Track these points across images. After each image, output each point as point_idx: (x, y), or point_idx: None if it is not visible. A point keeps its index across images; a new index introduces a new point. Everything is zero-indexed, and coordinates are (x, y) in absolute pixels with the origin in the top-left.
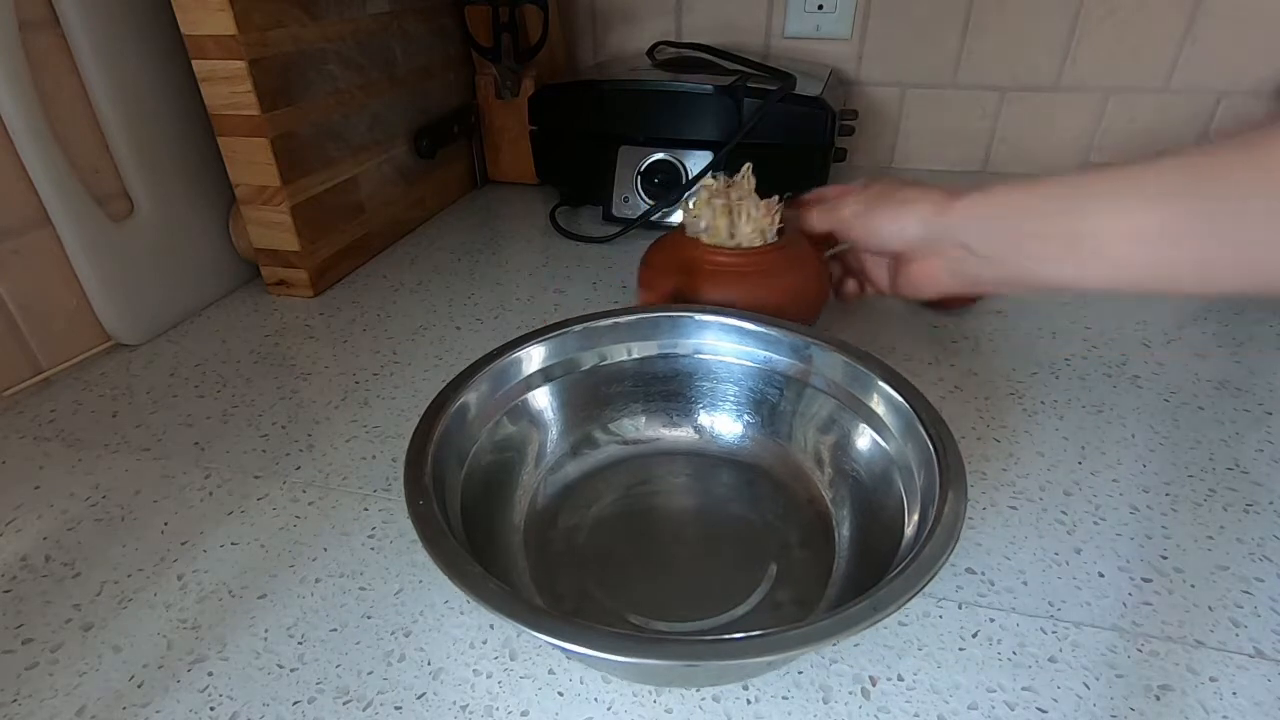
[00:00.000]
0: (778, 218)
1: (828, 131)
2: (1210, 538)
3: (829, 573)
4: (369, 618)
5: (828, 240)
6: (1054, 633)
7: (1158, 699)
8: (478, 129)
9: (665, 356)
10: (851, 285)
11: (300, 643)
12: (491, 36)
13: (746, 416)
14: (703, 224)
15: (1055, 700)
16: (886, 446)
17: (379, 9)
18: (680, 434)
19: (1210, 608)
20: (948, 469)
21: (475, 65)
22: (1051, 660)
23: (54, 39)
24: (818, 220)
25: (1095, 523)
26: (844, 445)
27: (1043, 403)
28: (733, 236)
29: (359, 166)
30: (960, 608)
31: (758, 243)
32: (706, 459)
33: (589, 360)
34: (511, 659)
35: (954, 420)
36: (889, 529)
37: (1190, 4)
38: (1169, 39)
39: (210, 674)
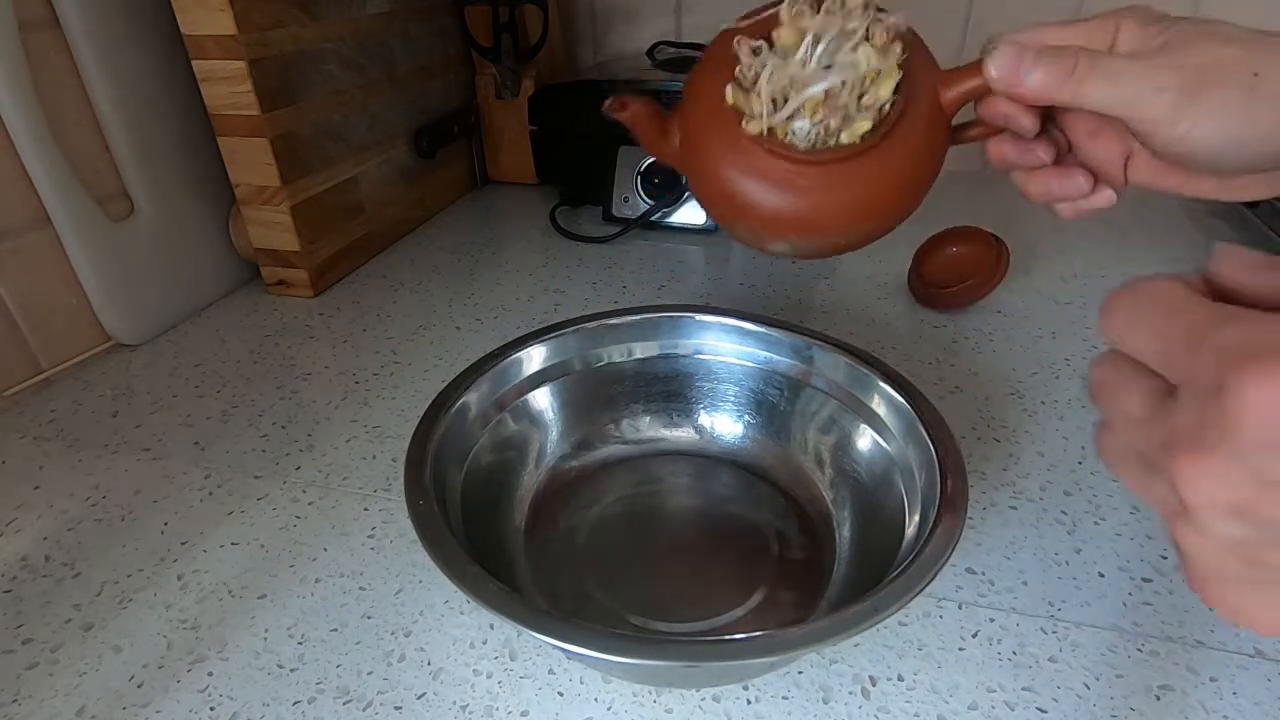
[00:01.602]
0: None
1: None
2: None
3: (829, 573)
4: (369, 618)
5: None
6: (1054, 633)
7: (1158, 699)
8: (478, 129)
9: (666, 357)
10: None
11: (300, 643)
12: (491, 36)
13: (747, 417)
14: (764, 92)
15: (1055, 700)
16: (887, 447)
17: (379, 9)
18: (681, 434)
19: (1210, 608)
20: (948, 470)
21: (475, 65)
22: (1051, 660)
23: (54, 39)
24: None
25: (1095, 523)
26: (845, 446)
27: (1043, 403)
28: (828, 128)
29: (359, 166)
30: (960, 608)
31: (865, 129)
32: (707, 459)
33: (589, 360)
34: (511, 659)
35: (954, 420)
36: (889, 529)
37: (1190, 4)
38: None
39: (210, 674)
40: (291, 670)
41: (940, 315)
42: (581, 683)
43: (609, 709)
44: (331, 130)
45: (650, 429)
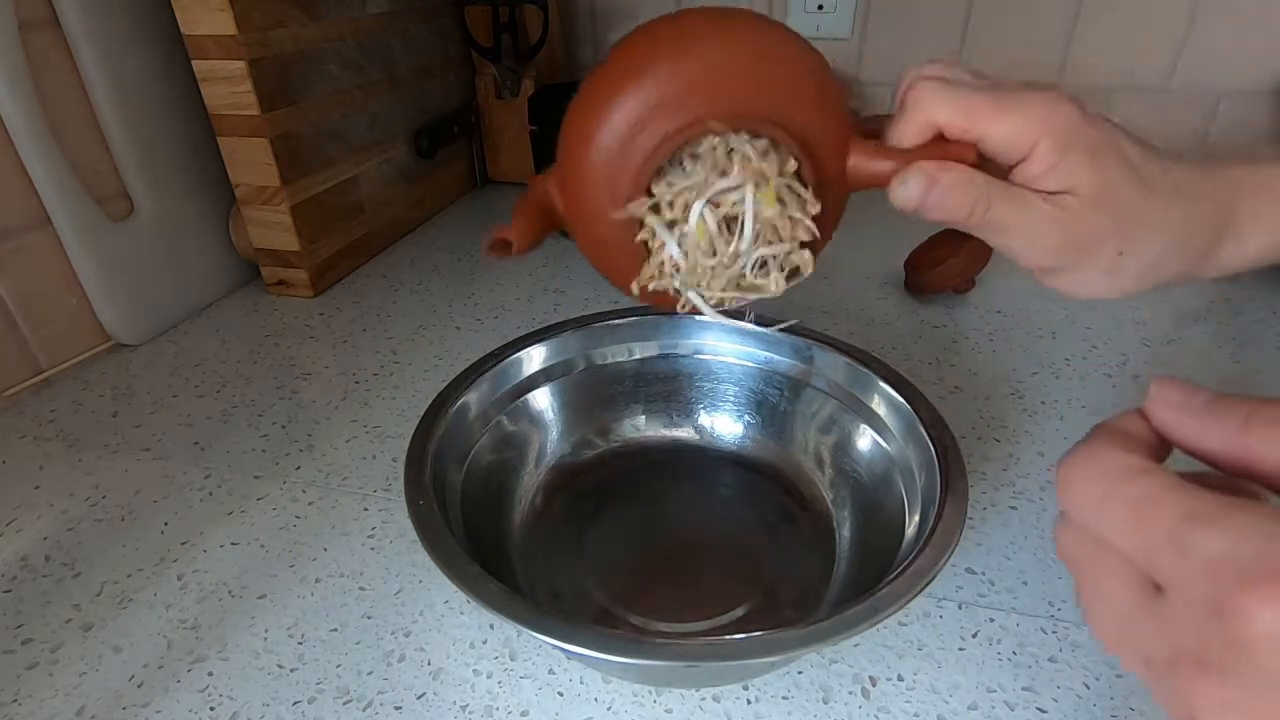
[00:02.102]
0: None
1: None
2: None
3: (829, 573)
4: (369, 618)
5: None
6: (1054, 633)
7: None
8: (478, 129)
9: (666, 356)
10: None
11: (300, 643)
12: (491, 36)
13: (747, 417)
14: (668, 273)
15: (1055, 700)
16: (887, 447)
17: (379, 9)
18: (681, 434)
19: None
20: (948, 470)
21: (475, 65)
22: (1051, 660)
23: (54, 39)
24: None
25: None
26: (845, 446)
27: (1043, 403)
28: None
29: (359, 166)
30: (960, 608)
31: (777, 282)
32: (707, 459)
33: (589, 360)
34: (511, 659)
35: (954, 420)
36: (889, 529)
37: (1190, 3)
38: (1169, 39)
39: (210, 674)
40: (291, 670)
41: (940, 315)
42: (581, 683)
43: (609, 709)
44: (331, 130)
45: (650, 429)
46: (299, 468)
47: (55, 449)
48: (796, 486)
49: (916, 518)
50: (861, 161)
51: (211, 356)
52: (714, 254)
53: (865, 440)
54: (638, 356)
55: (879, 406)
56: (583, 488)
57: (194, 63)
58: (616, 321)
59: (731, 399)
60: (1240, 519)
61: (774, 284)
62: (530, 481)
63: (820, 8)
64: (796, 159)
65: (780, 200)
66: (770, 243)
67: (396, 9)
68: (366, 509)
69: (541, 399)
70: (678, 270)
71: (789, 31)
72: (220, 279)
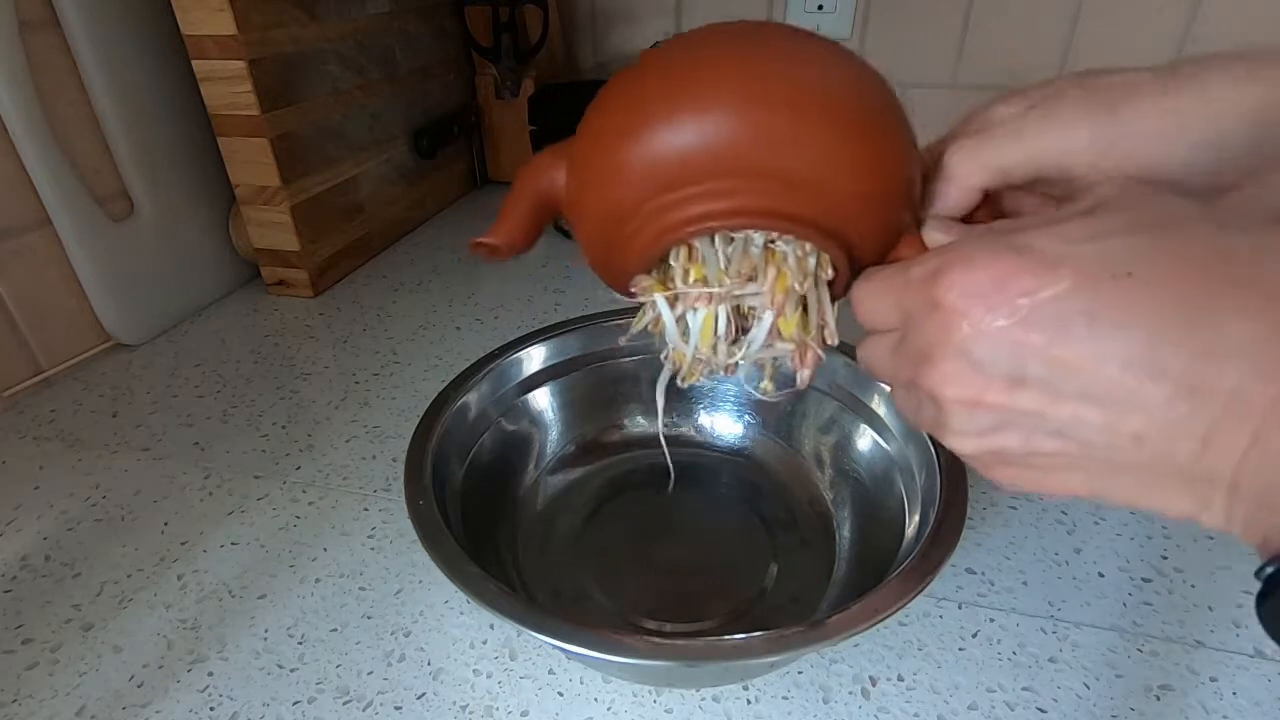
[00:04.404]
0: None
1: None
2: (1210, 538)
3: (829, 573)
4: (369, 618)
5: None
6: (1054, 633)
7: (1158, 699)
8: (477, 129)
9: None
10: None
11: (300, 643)
12: (491, 36)
13: (747, 417)
14: (683, 337)
15: (1055, 700)
16: (887, 447)
17: (379, 9)
18: (681, 434)
19: (1210, 608)
20: (948, 470)
21: (475, 65)
22: (1051, 660)
23: (54, 39)
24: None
25: (1095, 523)
26: (845, 446)
27: None
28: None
29: (359, 166)
30: (960, 608)
31: (763, 396)
32: (707, 459)
33: (589, 360)
34: (511, 659)
35: None
36: (890, 529)
37: (1190, 3)
38: (1169, 38)
39: (210, 674)
40: (291, 670)
41: None
42: (581, 683)
43: (609, 709)
44: (331, 130)
45: (650, 428)
46: (299, 468)
47: (55, 449)
48: (796, 486)
49: (916, 518)
50: (908, 255)
51: (211, 356)
52: (713, 352)
53: (865, 440)
54: (638, 356)
55: (879, 406)
56: (583, 488)
57: (194, 63)
58: (616, 321)
59: (731, 399)
60: (929, 252)
61: (765, 393)
62: (530, 481)
63: (820, 8)
64: (836, 269)
65: (803, 311)
66: (770, 345)
67: (396, 9)
68: (366, 509)
69: (541, 399)
70: (667, 348)
71: (883, 90)
72: (220, 279)
